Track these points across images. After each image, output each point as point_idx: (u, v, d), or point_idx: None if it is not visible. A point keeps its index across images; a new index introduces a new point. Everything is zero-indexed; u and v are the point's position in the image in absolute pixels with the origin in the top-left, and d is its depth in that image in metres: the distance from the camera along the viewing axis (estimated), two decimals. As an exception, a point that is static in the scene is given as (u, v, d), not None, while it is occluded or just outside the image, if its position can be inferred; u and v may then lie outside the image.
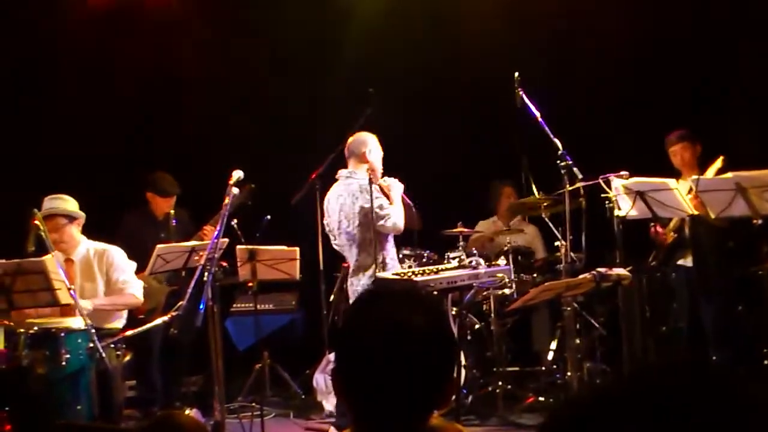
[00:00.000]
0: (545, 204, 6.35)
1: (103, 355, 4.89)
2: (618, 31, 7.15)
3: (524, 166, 6.85)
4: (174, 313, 5.11)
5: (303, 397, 6.77)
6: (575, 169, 5.72)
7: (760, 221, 5.21)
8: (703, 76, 6.99)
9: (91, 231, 5.79)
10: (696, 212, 5.62)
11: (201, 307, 4.92)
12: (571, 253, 5.91)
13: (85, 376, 5.00)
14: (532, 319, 6.94)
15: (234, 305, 7.26)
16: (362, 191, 5.47)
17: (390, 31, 7.58)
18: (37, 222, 5.00)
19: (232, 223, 5.85)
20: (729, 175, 5.24)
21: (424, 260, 6.16)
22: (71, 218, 5.60)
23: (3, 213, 6.25)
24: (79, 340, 5.02)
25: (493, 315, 6.34)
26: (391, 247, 5.62)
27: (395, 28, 7.58)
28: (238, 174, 5.20)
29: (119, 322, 5.68)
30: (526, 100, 5.81)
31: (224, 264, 5.58)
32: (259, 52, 7.77)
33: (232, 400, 6.55)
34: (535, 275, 6.60)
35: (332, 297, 6.75)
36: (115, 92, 7.81)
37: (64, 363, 4.96)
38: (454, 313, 5.78)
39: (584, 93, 7.08)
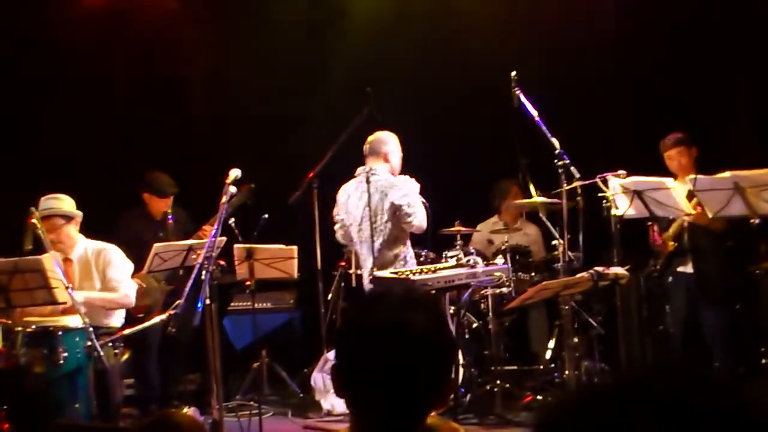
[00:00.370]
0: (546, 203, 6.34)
1: (101, 353, 4.87)
2: (616, 31, 7.15)
3: (522, 165, 6.84)
4: (172, 312, 5.09)
5: (301, 395, 6.76)
6: (572, 168, 5.72)
7: (757, 220, 5.21)
8: (703, 76, 6.98)
9: (90, 231, 5.78)
10: (694, 212, 5.62)
11: (199, 305, 4.92)
12: (569, 252, 5.91)
13: (82, 375, 4.99)
14: (530, 318, 6.96)
15: (232, 304, 7.26)
16: (392, 187, 5.52)
17: (389, 31, 7.58)
18: (34, 220, 5.00)
19: (230, 221, 5.85)
20: (727, 174, 5.21)
21: (422, 259, 6.16)
22: (68, 218, 5.58)
23: (3, 213, 6.25)
24: (77, 339, 5.02)
25: (490, 314, 6.34)
26: (410, 245, 5.77)
27: (395, 28, 7.59)
28: (235, 173, 5.19)
29: (117, 321, 5.68)
30: (524, 100, 5.81)
31: (222, 263, 5.59)
32: (259, 52, 7.77)
33: (230, 398, 6.56)
34: (533, 274, 6.60)
35: (330, 296, 6.75)
36: (115, 92, 7.81)
37: (61, 361, 4.97)
38: (451, 312, 5.79)
39: (582, 93, 7.07)
